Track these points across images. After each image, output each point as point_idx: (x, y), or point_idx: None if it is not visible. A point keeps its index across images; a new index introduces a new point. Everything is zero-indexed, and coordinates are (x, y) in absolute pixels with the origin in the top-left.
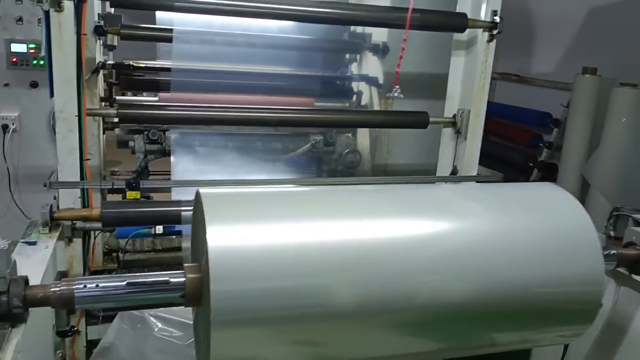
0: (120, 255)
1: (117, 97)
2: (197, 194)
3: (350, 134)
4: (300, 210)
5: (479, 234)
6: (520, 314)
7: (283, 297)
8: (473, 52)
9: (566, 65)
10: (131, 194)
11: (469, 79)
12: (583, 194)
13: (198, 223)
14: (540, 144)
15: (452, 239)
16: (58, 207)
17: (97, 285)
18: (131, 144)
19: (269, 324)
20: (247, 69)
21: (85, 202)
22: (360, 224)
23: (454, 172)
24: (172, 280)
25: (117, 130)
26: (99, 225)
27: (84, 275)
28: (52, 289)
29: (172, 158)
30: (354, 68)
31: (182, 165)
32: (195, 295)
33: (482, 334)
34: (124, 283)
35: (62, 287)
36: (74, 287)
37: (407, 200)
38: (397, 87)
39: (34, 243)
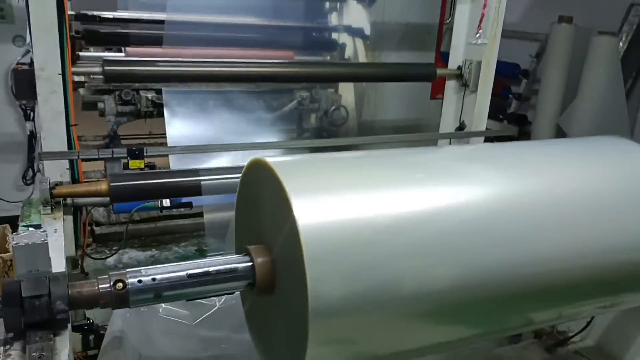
0: (96, 228)
1: (80, 54)
2: (260, 163)
3: (333, 90)
4: (384, 177)
5: (563, 196)
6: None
7: (387, 276)
8: None
9: (533, 15)
10: (134, 163)
11: (475, 29)
12: None
13: (257, 196)
14: (510, 96)
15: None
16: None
17: (154, 279)
18: (100, 105)
19: (373, 307)
20: (221, 20)
21: (76, 174)
22: (459, 189)
23: (461, 127)
24: (239, 266)
25: (81, 91)
26: (92, 199)
27: (76, 257)
28: (101, 286)
29: (166, 120)
30: (333, 18)
31: (179, 128)
32: (268, 282)
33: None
34: (184, 274)
35: (113, 284)
36: (127, 281)
37: (483, 160)
38: (481, 30)
39: (38, 227)
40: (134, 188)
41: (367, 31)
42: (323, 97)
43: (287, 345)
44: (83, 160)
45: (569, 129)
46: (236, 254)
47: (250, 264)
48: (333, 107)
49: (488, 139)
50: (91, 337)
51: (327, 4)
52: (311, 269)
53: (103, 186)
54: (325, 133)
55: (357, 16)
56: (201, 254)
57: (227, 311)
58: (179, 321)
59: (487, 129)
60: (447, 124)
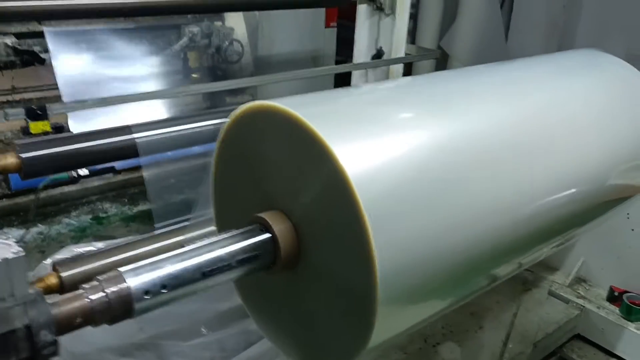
0: None
1: None
2: (266, 110)
3: (221, 23)
4: (423, 111)
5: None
6: None
7: (451, 218)
8: None
9: None
10: (37, 126)
11: None
12: (441, 66)
13: (258, 154)
14: None
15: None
16: None
17: (156, 276)
18: None
19: (442, 258)
20: None
21: None
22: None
23: (379, 54)
24: (255, 240)
25: None
26: None
27: None
28: (92, 297)
29: (55, 69)
30: None
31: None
32: (293, 254)
33: None
34: (192, 264)
35: (109, 290)
36: (126, 284)
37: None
38: None
39: None
40: (53, 157)
41: None
42: (214, 32)
43: (333, 328)
44: None
45: (452, 51)
46: (224, 229)
47: (269, 235)
48: (227, 42)
49: (408, 65)
50: None
51: None
52: (374, 226)
53: (10, 159)
54: (220, 71)
55: None
56: (99, 222)
57: None
58: None
59: (406, 54)
60: (361, 52)
